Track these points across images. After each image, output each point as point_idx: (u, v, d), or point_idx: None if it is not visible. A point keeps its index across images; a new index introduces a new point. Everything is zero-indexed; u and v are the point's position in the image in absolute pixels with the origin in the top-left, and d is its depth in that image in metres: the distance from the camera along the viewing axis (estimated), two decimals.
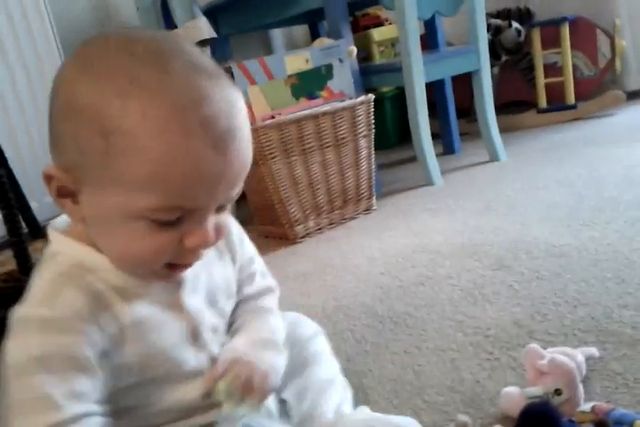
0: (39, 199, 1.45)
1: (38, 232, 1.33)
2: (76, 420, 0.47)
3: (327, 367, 0.69)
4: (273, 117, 1.47)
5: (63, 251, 0.53)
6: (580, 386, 0.65)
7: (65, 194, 0.50)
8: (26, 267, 1.13)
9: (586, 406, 0.60)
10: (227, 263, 0.63)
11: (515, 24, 2.30)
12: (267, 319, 0.65)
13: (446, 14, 1.86)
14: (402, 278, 1.15)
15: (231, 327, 0.64)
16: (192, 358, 0.56)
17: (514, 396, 0.66)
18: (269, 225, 1.53)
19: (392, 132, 2.54)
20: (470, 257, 1.19)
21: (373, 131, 1.61)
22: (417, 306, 1.02)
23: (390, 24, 2.52)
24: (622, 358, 0.74)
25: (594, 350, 0.72)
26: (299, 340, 0.70)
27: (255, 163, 1.49)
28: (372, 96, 1.57)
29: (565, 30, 2.24)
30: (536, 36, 2.28)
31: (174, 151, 0.44)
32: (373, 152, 1.63)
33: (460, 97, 2.18)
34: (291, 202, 1.49)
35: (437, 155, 1.80)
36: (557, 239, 1.19)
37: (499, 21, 2.30)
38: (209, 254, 0.59)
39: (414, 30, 1.67)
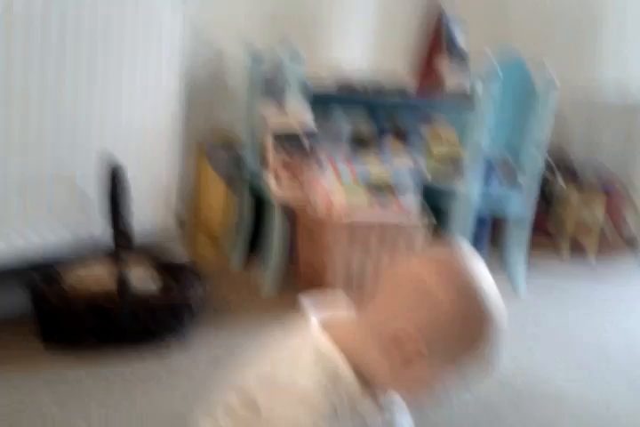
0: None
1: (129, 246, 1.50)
2: None
3: None
4: (347, 214, 1.69)
5: (328, 356, 0.71)
6: None
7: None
8: (124, 294, 1.32)
9: None
10: None
11: (559, 178, 2.57)
12: None
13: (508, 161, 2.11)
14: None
15: None
16: None
17: None
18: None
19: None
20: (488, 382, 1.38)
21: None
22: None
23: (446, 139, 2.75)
24: None
25: None
26: None
27: (321, 247, 1.69)
28: (432, 219, 1.78)
29: (602, 197, 2.51)
30: (574, 194, 2.55)
31: None
32: None
33: (494, 224, 2.41)
34: (337, 287, 1.68)
35: None
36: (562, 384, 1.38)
37: (546, 173, 2.57)
38: None
39: (478, 165, 1.91)
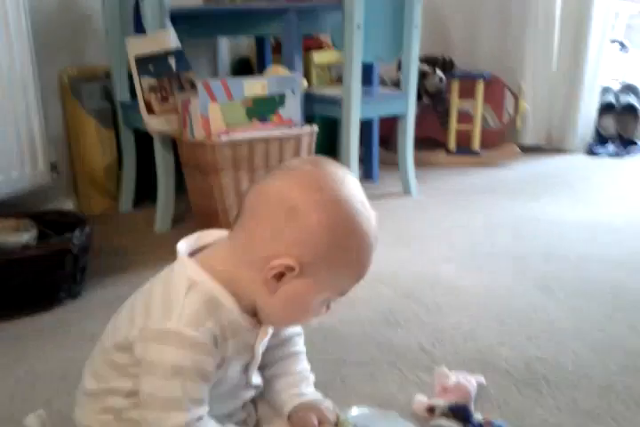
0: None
1: None
2: (198, 420, 0.66)
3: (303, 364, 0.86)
4: (227, 134, 1.62)
5: (201, 282, 0.68)
6: (472, 403, 0.89)
7: (279, 276, 0.67)
8: None
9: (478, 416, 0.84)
10: None
11: (438, 72, 2.58)
12: (304, 363, 0.84)
13: (386, 60, 2.09)
14: None
15: (272, 365, 0.81)
16: (242, 381, 0.76)
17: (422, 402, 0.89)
18: (208, 229, 1.67)
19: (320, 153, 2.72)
20: (384, 283, 1.42)
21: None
22: (343, 323, 1.22)
23: (329, 48, 2.71)
24: (497, 386, 0.99)
25: (482, 379, 0.96)
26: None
27: (206, 172, 1.64)
28: (315, 127, 1.75)
29: (480, 85, 2.55)
30: (455, 86, 2.57)
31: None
32: None
33: (386, 128, 2.42)
34: (232, 212, 1.64)
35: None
36: (456, 279, 1.44)
37: (425, 67, 2.57)
38: None
39: (357, 69, 1.87)
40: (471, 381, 0.92)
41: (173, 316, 0.66)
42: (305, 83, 1.78)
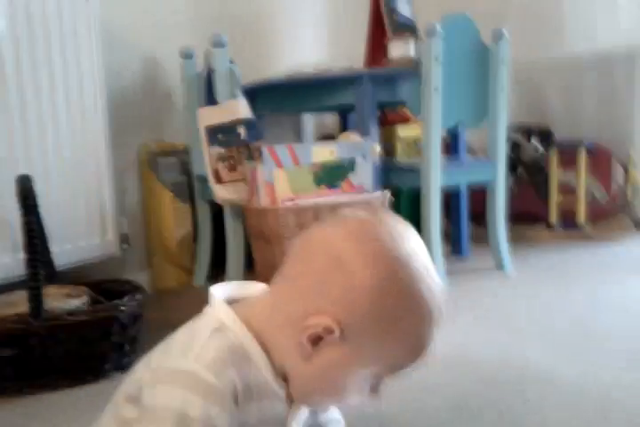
0: (60, 244, 1.49)
1: (53, 277, 1.37)
2: None
3: None
4: (293, 200, 1.53)
5: (232, 328, 0.56)
6: None
7: (316, 340, 0.55)
8: (37, 312, 1.16)
9: None
10: None
11: (534, 141, 2.41)
12: None
13: (470, 125, 1.96)
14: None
15: None
16: None
17: None
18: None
19: None
20: (464, 366, 1.21)
21: None
22: (405, 411, 1.03)
23: (416, 123, 2.64)
24: None
25: None
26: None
27: (270, 241, 1.54)
28: (388, 192, 1.63)
29: (582, 155, 2.35)
30: (554, 157, 2.39)
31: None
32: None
33: (477, 202, 2.25)
34: None
35: (446, 255, 1.84)
36: (551, 367, 1.21)
37: (519, 136, 2.42)
38: None
39: (437, 136, 1.76)
40: None
41: (191, 355, 0.54)
42: (378, 149, 1.68)
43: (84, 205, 1.59)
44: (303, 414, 0.62)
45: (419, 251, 0.57)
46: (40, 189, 1.31)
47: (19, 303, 1.23)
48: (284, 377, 0.58)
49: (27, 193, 1.22)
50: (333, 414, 0.69)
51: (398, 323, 0.54)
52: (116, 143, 1.70)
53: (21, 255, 1.21)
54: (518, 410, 1.02)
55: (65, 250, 1.49)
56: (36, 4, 1.45)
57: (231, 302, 0.61)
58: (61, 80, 1.52)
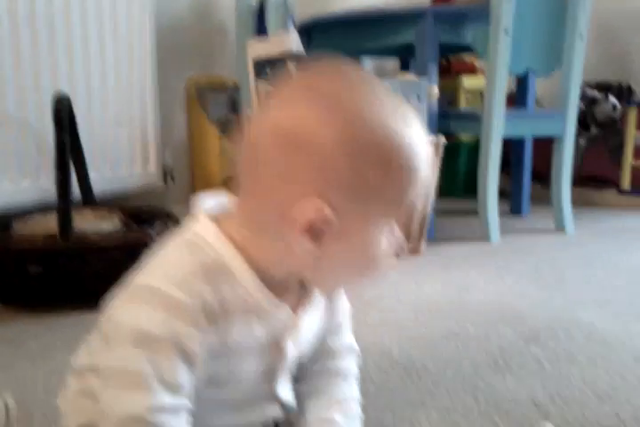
0: (101, 170, 1.47)
1: (90, 201, 1.35)
2: (171, 412, 0.46)
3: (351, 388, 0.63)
4: None
5: (212, 243, 0.49)
6: None
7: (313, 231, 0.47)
8: (67, 233, 1.14)
9: None
10: (321, 308, 0.58)
11: (612, 98, 2.22)
12: (350, 389, 0.62)
13: (539, 73, 1.81)
14: (428, 329, 1.09)
15: (306, 381, 0.60)
16: (261, 391, 0.55)
17: None
18: None
19: (463, 181, 2.48)
20: (505, 322, 1.12)
21: (437, 173, 1.56)
22: (436, 360, 0.96)
23: (483, 73, 2.49)
24: None
25: None
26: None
27: None
28: (442, 139, 1.53)
29: None
30: (632, 115, 2.20)
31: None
32: (433, 194, 1.59)
33: (542, 161, 2.11)
34: None
35: (503, 214, 1.74)
36: (603, 325, 1.10)
37: (595, 92, 2.23)
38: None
39: (502, 81, 1.63)
40: None
41: (157, 273, 0.48)
42: (436, 91, 1.57)
43: (127, 134, 1.56)
44: (300, 328, 0.54)
45: (378, 91, 0.48)
46: (81, 112, 1.28)
47: (53, 223, 1.22)
48: (282, 288, 0.51)
49: (62, 112, 1.18)
50: (345, 338, 0.62)
51: (388, 166, 0.46)
52: (162, 73, 1.64)
53: None
54: (562, 365, 0.92)
55: (105, 177, 1.47)
56: None
57: (218, 217, 0.53)
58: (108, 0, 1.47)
